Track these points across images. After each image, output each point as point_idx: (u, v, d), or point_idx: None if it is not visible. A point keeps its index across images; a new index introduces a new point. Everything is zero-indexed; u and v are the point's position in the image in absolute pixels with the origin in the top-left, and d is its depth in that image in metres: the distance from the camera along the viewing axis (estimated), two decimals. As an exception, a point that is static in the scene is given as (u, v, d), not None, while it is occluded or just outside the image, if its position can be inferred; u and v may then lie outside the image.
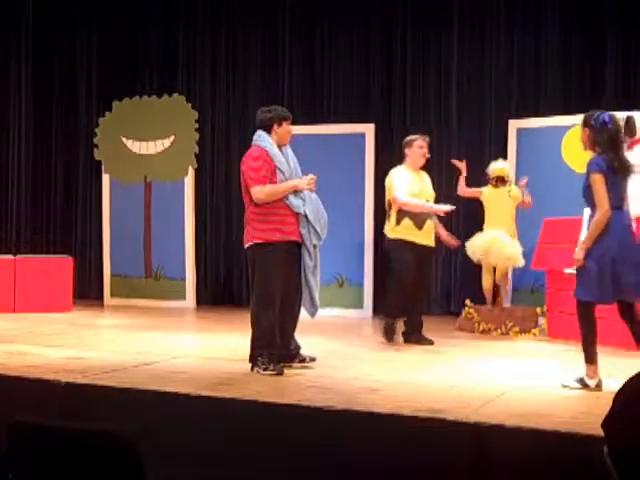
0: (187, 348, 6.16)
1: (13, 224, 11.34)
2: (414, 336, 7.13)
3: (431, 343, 7.05)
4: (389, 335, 7.12)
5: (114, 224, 10.70)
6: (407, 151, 7.29)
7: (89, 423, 2.65)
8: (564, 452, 3.74)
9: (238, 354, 5.90)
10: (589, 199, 5.10)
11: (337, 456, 4.10)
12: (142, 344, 6.96)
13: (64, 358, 5.97)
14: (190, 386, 4.91)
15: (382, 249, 7.27)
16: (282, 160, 5.66)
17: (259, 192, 5.55)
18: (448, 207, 7.15)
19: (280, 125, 5.70)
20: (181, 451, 4.35)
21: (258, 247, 5.58)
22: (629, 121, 7.31)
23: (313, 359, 5.85)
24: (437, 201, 7.39)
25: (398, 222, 7.09)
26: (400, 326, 7.22)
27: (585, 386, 4.99)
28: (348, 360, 6.26)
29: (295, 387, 5.08)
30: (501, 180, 8.21)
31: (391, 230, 7.17)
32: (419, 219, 7.08)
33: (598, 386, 4.97)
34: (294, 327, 5.78)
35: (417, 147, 7.23)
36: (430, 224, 7.17)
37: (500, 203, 8.15)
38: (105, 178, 10.80)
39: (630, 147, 7.38)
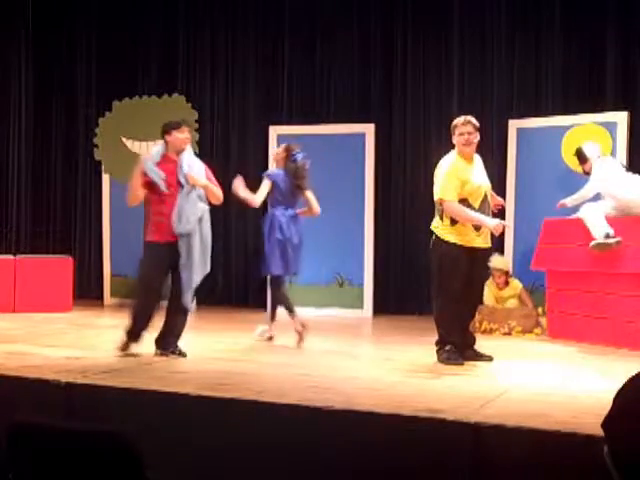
0: (187, 348, 6.15)
1: (13, 224, 11.34)
2: (469, 353, 6.20)
3: (490, 359, 6.19)
4: (457, 362, 6.02)
5: (114, 224, 10.69)
6: (453, 139, 6.19)
7: (89, 423, 2.65)
8: (564, 452, 3.74)
9: (238, 354, 5.89)
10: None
11: (337, 456, 4.10)
12: (142, 344, 6.94)
13: (64, 358, 5.96)
14: (190, 386, 4.90)
15: (431, 249, 6.14)
16: (151, 167, 6.24)
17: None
18: (504, 223, 6.19)
19: (170, 134, 6.24)
20: (181, 451, 4.34)
21: (145, 245, 6.28)
22: (577, 151, 7.76)
23: (183, 354, 6.12)
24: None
25: (453, 222, 6.00)
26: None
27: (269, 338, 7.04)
28: (348, 360, 6.26)
29: (295, 387, 5.07)
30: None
31: (444, 230, 6.04)
32: None
33: (270, 339, 7.07)
34: (184, 321, 6.24)
35: (457, 134, 6.12)
36: None
37: None
38: (105, 178, 10.79)
39: (586, 174, 7.66)
